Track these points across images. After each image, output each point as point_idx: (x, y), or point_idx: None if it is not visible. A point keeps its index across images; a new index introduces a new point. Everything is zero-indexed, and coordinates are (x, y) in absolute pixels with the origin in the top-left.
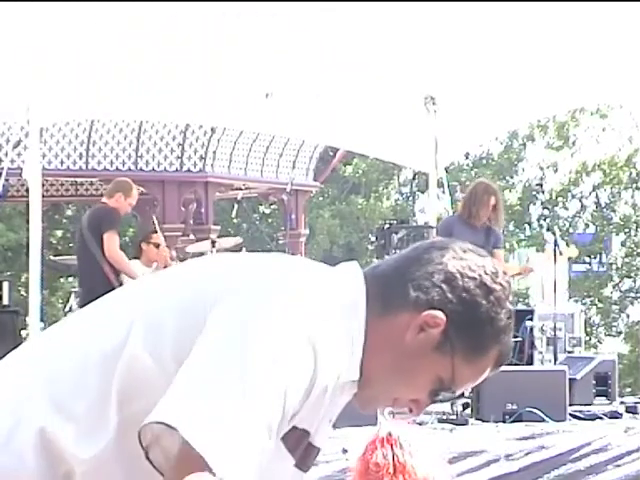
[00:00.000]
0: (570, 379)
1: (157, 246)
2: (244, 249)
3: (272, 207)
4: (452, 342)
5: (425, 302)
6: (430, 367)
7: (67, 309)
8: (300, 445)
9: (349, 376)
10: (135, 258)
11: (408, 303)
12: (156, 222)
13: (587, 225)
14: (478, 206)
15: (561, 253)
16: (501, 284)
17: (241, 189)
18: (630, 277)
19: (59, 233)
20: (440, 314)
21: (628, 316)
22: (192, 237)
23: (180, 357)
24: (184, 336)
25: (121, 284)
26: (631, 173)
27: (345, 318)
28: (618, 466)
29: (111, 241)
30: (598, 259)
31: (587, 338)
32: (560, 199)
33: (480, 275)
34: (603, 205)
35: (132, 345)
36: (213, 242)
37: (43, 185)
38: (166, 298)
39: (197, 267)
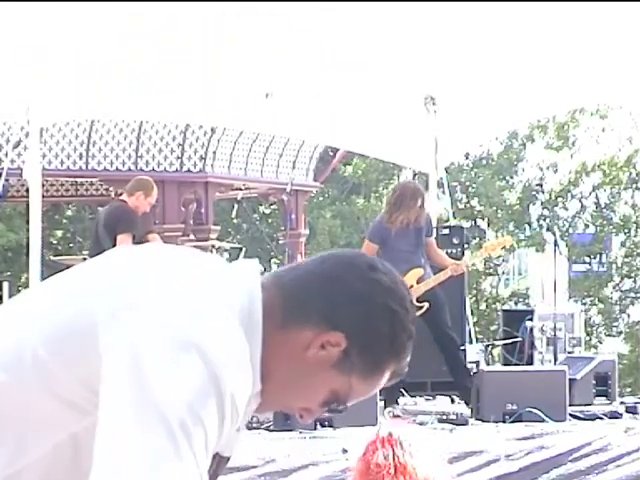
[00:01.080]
0: (570, 379)
1: None
2: (244, 250)
3: (272, 207)
4: (351, 361)
5: (328, 321)
6: (326, 382)
7: None
8: (211, 465)
9: (254, 388)
10: None
11: (312, 320)
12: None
13: (587, 225)
14: (405, 212)
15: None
16: (406, 308)
17: (241, 189)
18: (630, 277)
19: (59, 233)
20: (342, 335)
21: (628, 316)
22: (192, 237)
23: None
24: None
25: None
26: (631, 173)
27: (242, 328)
28: (618, 466)
29: (124, 244)
30: (598, 259)
31: (587, 338)
32: (560, 199)
33: (386, 298)
34: (603, 205)
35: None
36: (213, 246)
37: (43, 185)
38: (55, 324)
39: (90, 282)
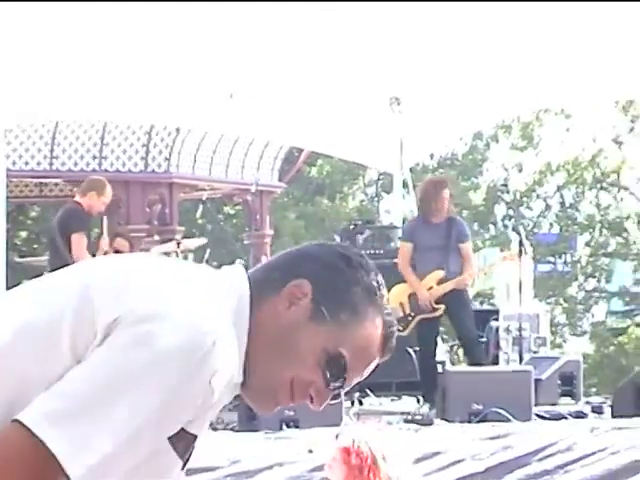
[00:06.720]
0: (535, 379)
1: (117, 252)
2: (209, 250)
3: (237, 208)
4: (325, 307)
5: (287, 276)
6: (311, 340)
7: None
8: (187, 446)
9: (237, 379)
10: None
11: (272, 285)
12: (105, 225)
13: (551, 225)
14: (432, 202)
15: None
16: (360, 255)
17: (205, 190)
18: (594, 277)
19: (24, 234)
20: (304, 281)
21: (593, 316)
22: (157, 238)
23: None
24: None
25: None
26: (595, 173)
27: (234, 325)
28: (584, 466)
29: (78, 243)
30: (563, 259)
31: (552, 338)
32: (525, 199)
33: (337, 250)
34: (567, 205)
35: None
36: (178, 243)
37: (7, 186)
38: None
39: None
